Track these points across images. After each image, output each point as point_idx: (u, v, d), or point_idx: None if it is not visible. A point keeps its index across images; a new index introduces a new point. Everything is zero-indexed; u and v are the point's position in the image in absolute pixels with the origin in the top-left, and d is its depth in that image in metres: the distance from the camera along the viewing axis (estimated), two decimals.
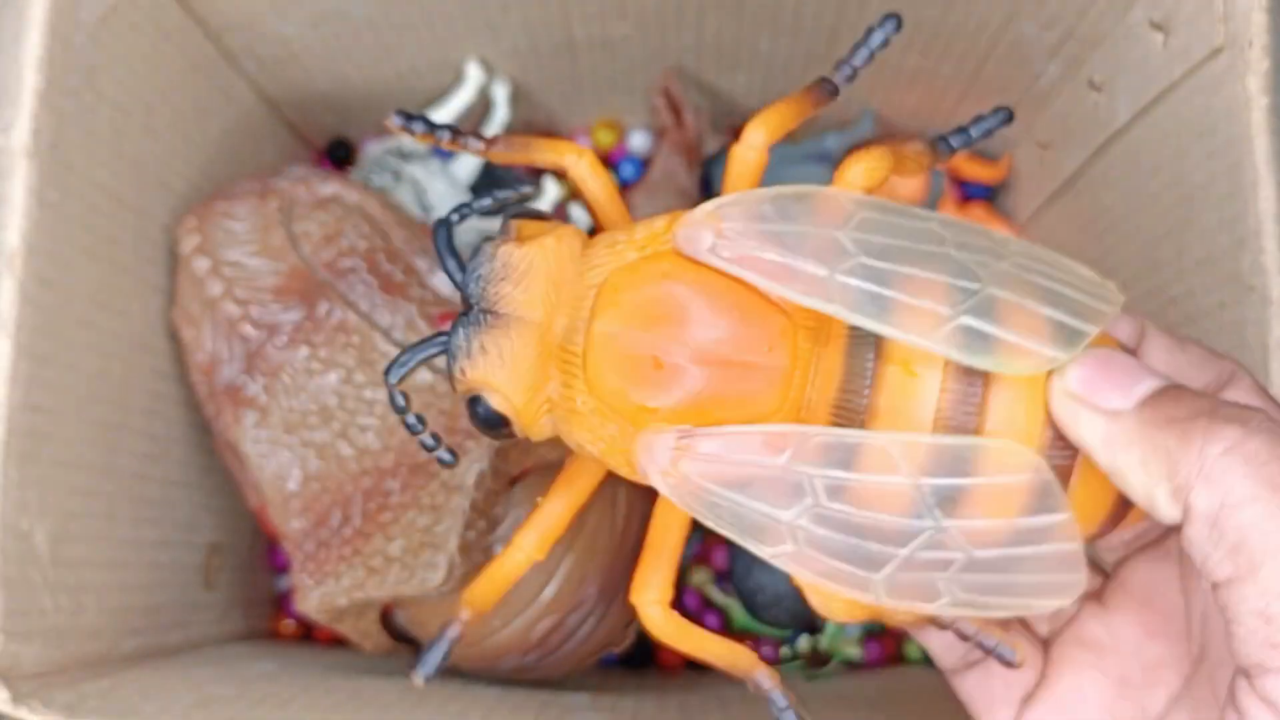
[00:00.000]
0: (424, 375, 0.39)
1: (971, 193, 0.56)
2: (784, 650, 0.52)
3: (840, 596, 0.26)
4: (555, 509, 0.31)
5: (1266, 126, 0.35)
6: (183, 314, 0.42)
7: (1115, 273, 0.43)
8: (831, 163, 0.53)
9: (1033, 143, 0.52)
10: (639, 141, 0.56)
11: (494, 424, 0.28)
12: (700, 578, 0.53)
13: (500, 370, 0.27)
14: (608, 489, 0.42)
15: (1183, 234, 0.38)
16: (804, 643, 0.52)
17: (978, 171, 0.55)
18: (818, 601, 0.27)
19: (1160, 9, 0.40)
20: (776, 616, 0.50)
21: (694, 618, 0.53)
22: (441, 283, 0.43)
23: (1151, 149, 0.41)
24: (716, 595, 0.53)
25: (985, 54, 0.48)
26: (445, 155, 0.56)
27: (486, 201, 0.30)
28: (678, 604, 0.52)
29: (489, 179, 0.55)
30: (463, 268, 0.28)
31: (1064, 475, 0.24)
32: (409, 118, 0.30)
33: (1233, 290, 0.35)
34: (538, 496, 0.40)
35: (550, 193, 0.53)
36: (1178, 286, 0.38)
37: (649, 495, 0.43)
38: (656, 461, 0.26)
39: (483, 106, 0.54)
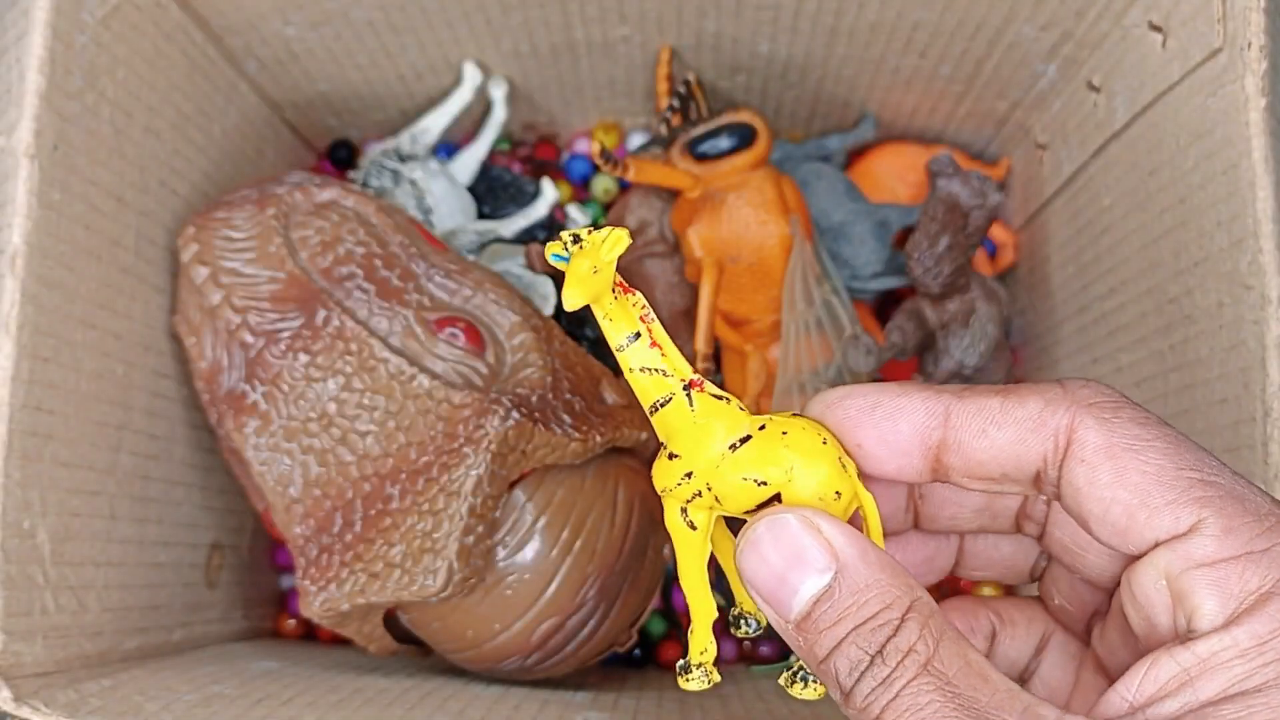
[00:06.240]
0: (422, 381, 0.39)
1: None
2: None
3: None
4: None
5: (1264, 127, 0.35)
6: (183, 321, 0.42)
7: (1114, 273, 0.43)
8: (833, 162, 0.54)
9: (1031, 144, 0.52)
10: (639, 143, 0.56)
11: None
12: None
13: None
14: (608, 490, 0.42)
15: (1181, 234, 0.38)
16: None
17: None
18: None
19: (1158, 10, 0.40)
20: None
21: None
22: (438, 288, 0.43)
23: (1150, 150, 0.41)
24: (717, 598, 0.53)
25: (984, 55, 0.48)
26: (444, 156, 0.56)
27: None
28: (674, 604, 0.52)
29: (487, 181, 0.55)
30: None
31: None
32: None
33: (1230, 290, 0.35)
34: (537, 500, 0.40)
35: (549, 195, 0.53)
36: (1176, 286, 0.39)
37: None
38: None
39: (482, 107, 0.54)
